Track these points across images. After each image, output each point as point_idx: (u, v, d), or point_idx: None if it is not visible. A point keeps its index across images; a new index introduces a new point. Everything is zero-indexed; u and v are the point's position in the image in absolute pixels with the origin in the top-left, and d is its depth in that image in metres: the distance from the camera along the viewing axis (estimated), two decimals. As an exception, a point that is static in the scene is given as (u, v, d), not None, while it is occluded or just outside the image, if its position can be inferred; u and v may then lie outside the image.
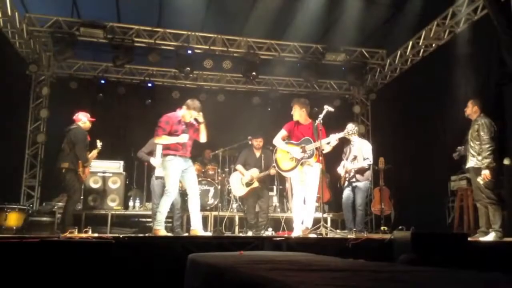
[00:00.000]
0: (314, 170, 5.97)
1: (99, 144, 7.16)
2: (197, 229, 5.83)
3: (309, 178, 5.97)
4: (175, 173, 5.81)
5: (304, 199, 6.03)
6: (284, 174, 6.41)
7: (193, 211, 5.89)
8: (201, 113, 5.94)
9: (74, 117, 6.97)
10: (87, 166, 6.97)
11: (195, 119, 5.99)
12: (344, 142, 7.41)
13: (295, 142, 6.08)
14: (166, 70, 10.85)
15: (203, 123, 5.99)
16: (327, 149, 6.00)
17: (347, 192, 7.30)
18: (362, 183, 7.20)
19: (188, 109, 5.91)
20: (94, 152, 7.13)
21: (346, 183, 7.33)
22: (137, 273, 4.11)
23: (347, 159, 7.36)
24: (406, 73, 10.03)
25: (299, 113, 6.15)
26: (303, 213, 5.99)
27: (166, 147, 5.87)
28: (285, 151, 6.12)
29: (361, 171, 7.19)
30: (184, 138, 5.80)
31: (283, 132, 6.20)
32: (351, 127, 6.38)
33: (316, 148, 5.87)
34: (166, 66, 10.57)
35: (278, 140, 6.19)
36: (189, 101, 5.97)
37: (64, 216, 6.63)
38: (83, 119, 6.91)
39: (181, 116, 5.92)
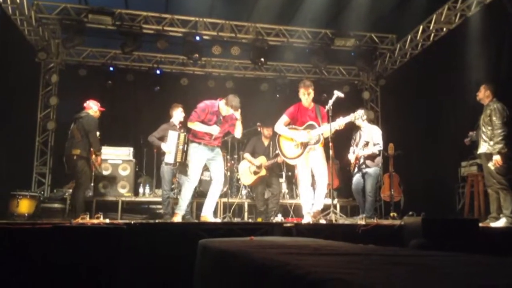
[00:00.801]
0: (318, 153, 5.87)
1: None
2: (207, 215, 5.88)
3: (315, 161, 5.88)
4: (198, 160, 5.93)
5: (311, 184, 5.99)
6: (289, 161, 6.28)
7: (210, 197, 5.99)
8: (239, 111, 5.96)
9: (85, 104, 6.97)
10: (99, 155, 7.00)
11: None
12: (353, 128, 7.38)
13: (300, 127, 5.94)
14: (174, 57, 10.83)
15: (239, 120, 6.04)
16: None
17: (357, 178, 7.32)
18: (372, 169, 7.19)
19: (226, 104, 5.93)
20: None
21: (356, 169, 7.34)
22: (148, 258, 4.15)
23: (356, 145, 7.35)
24: (416, 58, 9.91)
25: (312, 96, 6.02)
26: (312, 198, 5.93)
27: (193, 134, 5.97)
28: (289, 138, 5.99)
29: (371, 157, 7.18)
30: (214, 130, 5.88)
31: (284, 118, 6.03)
32: (359, 112, 6.26)
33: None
34: (174, 52, 10.54)
35: (280, 126, 6.02)
36: (230, 97, 5.98)
37: (75, 203, 6.65)
38: (93, 108, 6.91)
39: (218, 107, 5.96)
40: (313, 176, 5.99)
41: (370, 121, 10.20)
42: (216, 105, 5.97)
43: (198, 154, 5.92)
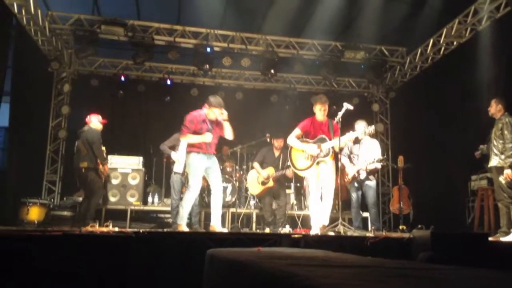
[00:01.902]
0: (328, 167, 5.96)
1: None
2: (215, 225, 5.87)
3: (325, 175, 5.95)
4: (197, 170, 5.86)
5: (320, 196, 6.02)
6: (299, 173, 6.38)
7: (214, 207, 5.93)
8: (223, 110, 5.91)
9: (86, 119, 7.19)
10: (105, 164, 7.19)
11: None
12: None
13: (311, 140, 6.07)
14: (185, 68, 10.91)
15: (226, 120, 5.96)
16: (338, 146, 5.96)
17: (357, 192, 7.18)
18: (373, 182, 7.12)
19: (210, 107, 5.90)
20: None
21: (355, 183, 7.18)
22: (156, 267, 4.16)
23: (356, 157, 7.18)
24: (426, 71, 9.91)
25: (327, 112, 6.11)
26: (320, 211, 5.97)
27: (190, 145, 5.91)
28: (300, 150, 6.11)
29: (373, 171, 7.13)
30: (208, 137, 5.83)
31: (297, 131, 6.17)
32: (364, 127, 6.35)
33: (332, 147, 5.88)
34: (185, 63, 10.62)
35: (292, 139, 6.18)
36: (210, 98, 5.95)
37: (87, 212, 6.80)
38: (94, 121, 7.12)
39: (205, 115, 5.94)
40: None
41: (379, 133, 10.19)
42: (202, 114, 5.93)
43: (197, 164, 5.85)
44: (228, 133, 6.05)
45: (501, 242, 5.31)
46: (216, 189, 5.96)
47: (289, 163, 6.44)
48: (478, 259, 4.00)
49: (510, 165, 5.55)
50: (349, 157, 7.23)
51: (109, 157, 8.14)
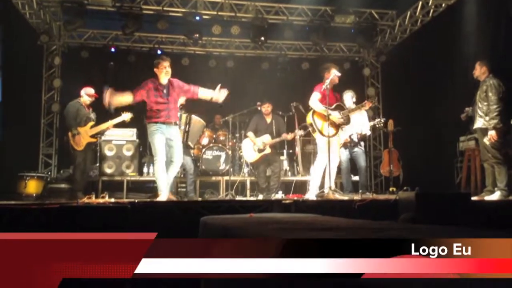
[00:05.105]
0: (337, 139, 6.12)
1: (125, 116, 7.33)
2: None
3: (334, 146, 6.05)
4: (158, 139, 5.58)
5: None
6: (324, 139, 6.06)
7: (170, 177, 5.89)
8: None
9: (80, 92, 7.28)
10: (76, 135, 6.92)
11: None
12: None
13: (330, 107, 6.04)
14: (175, 37, 10.85)
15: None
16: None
17: (348, 156, 7.28)
18: (362, 148, 7.29)
19: (157, 68, 5.67)
20: (111, 122, 7.29)
21: (345, 149, 7.24)
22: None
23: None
24: (416, 34, 9.91)
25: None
26: (326, 175, 6.07)
27: (149, 115, 5.71)
28: (323, 114, 6.00)
29: (364, 137, 7.32)
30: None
31: (318, 95, 6.06)
32: (351, 95, 6.79)
33: None
34: (174, 33, 10.58)
35: (315, 102, 6.05)
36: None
37: (73, 183, 7.16)
38: (82, 94, 7.21)
39: (157, 79, 5.72)
40: None
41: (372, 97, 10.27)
42: (154, 80, 5.73)
43: (156, 134, 5.60)
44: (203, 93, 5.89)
45: (484, 201, 5.51)
46: (175, 161, 5.71)
47: (303, 125, 6.43)
48: (461, 218, 4.17)
49: (494, 126, 5.68)
50: None
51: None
